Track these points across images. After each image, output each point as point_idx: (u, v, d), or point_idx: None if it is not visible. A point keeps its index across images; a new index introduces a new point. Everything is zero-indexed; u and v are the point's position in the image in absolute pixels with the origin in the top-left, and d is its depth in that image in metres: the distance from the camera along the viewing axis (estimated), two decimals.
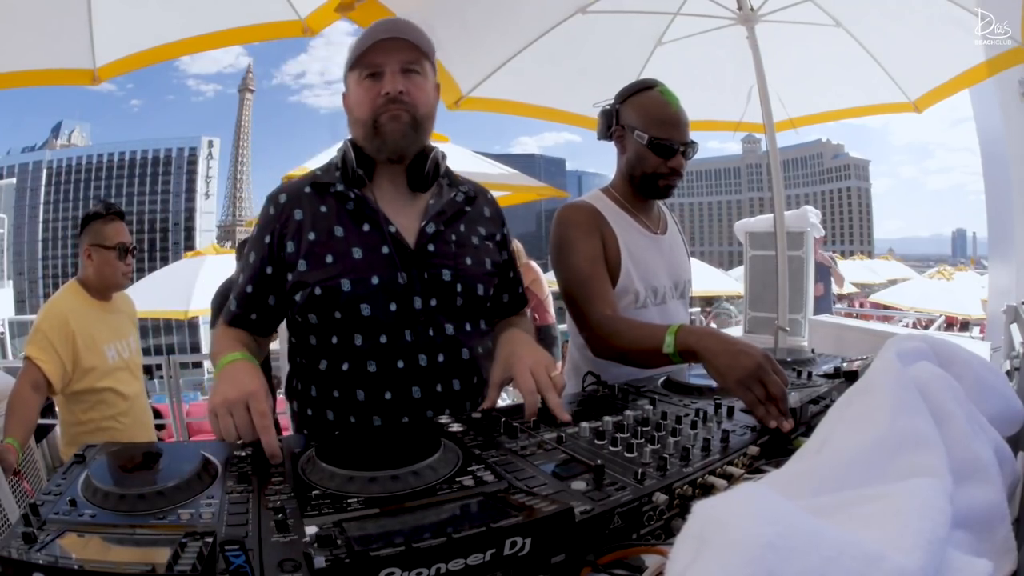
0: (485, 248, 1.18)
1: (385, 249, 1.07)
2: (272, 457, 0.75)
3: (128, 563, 0.48)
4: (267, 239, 1.09)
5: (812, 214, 4.37)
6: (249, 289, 1.12)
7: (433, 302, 1.08)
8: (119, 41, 2.68)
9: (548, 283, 4.42)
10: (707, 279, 8.46)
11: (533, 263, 4.34)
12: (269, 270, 1.09)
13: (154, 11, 2.70)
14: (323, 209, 1.09)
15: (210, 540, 0.50)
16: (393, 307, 1.06)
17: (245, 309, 1.13)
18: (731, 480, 0.72)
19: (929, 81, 3.15)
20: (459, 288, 1.11)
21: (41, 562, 0.47)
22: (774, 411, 0.89)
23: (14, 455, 1.75)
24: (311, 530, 0.50)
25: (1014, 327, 1.45)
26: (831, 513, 0.38)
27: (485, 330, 1.19)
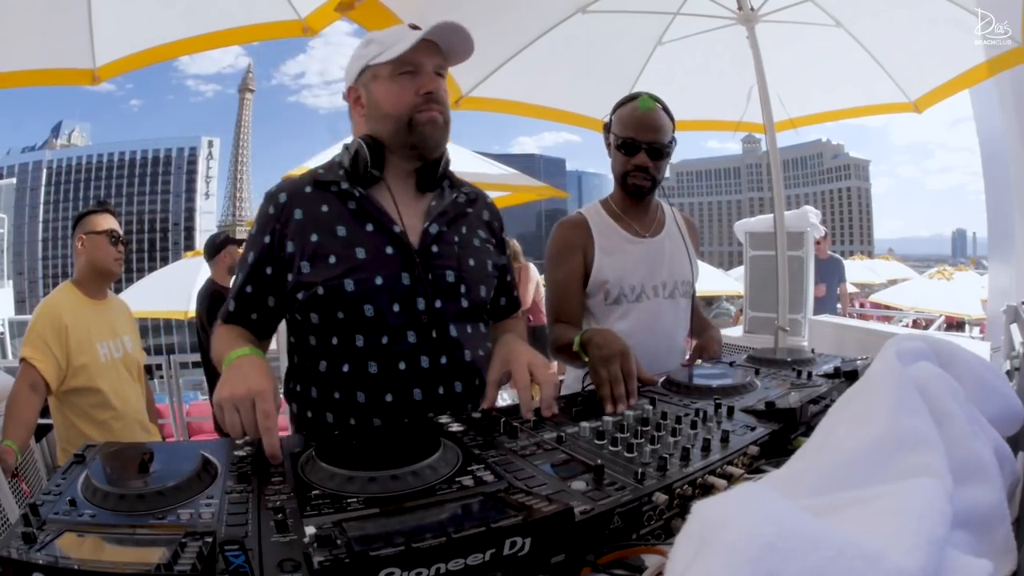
0: (486, 250, 1.19)
1: (389, 249, 1.06)
2: (272, 458, 0.75)
3: (128, 563, 0.48)
4: (266, 239, 1.07)
5: (812, 214, 4.36)
6: (248, 289, 1.10)
7: (438, 303, 1.08)
8: (119, 41, 2.68)
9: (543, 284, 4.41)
10: (707, 279, 8.45)
11: (531, 265, 4.32)
12: (269, 270, 1.08)
13: (154, 11, 2.70)
14: (324, 209, 1.07)
15: (210, 540, 0.50)
16: (396, 308, 1.05)
17: (244, 309, 1.11)
18: (731, 480, 0.72)
19: (929, 81, 3.15)
20: (463, 289, 1.11)
21: (41, 562, 0.47)
22: (620, 392, 0.98)
23: (12, 457, 1.77)
24: (311, 530, 0.50)
25: (1014, 327, 1.44)
26: (831, 513, 0.38)
27: (485, 332, 1.19)
